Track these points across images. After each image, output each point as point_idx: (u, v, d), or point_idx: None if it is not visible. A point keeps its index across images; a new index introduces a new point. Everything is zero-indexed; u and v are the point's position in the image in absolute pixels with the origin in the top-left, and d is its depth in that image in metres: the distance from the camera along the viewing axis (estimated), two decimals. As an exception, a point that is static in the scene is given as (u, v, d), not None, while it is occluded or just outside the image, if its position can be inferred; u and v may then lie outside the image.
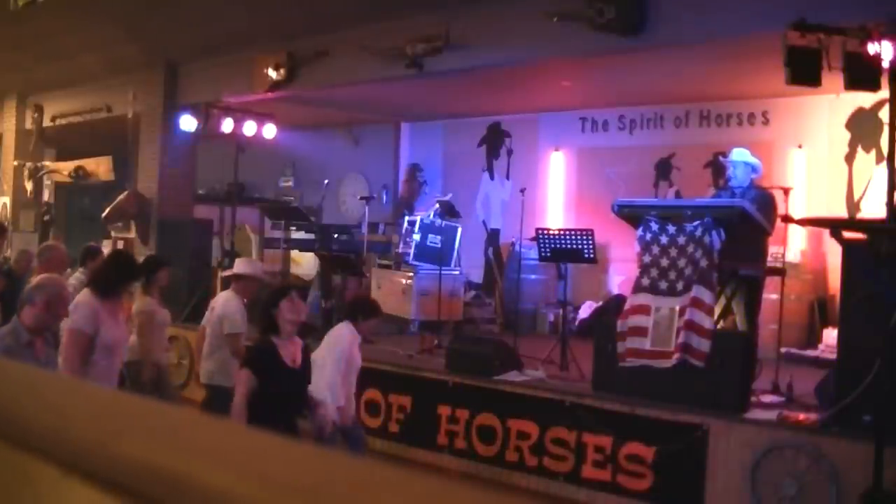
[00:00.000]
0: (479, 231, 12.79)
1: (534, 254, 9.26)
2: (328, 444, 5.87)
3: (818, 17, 6.18)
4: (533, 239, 9.09)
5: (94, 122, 14.03)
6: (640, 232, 6.86)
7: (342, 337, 6.17)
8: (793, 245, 9.37)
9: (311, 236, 11.79)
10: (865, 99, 9.14)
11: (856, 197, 9.79)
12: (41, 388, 1.13)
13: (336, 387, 5.96)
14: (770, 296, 8.10)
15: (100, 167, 13.65)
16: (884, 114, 8.72)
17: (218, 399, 6.21)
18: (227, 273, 7.03)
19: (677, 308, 6.50)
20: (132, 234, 12.44)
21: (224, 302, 6.62)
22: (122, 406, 1.04)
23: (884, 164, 7.98)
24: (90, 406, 1.03)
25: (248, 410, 4.95)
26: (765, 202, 7.10)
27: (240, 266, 6.90)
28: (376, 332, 7.19)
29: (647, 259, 6.78)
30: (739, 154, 7.56)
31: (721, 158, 9.01)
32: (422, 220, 10.75)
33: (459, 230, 11.08)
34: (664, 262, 6.68)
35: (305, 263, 12.89)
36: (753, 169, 7.49)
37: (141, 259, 7.30)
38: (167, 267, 7.11)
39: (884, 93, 6.55)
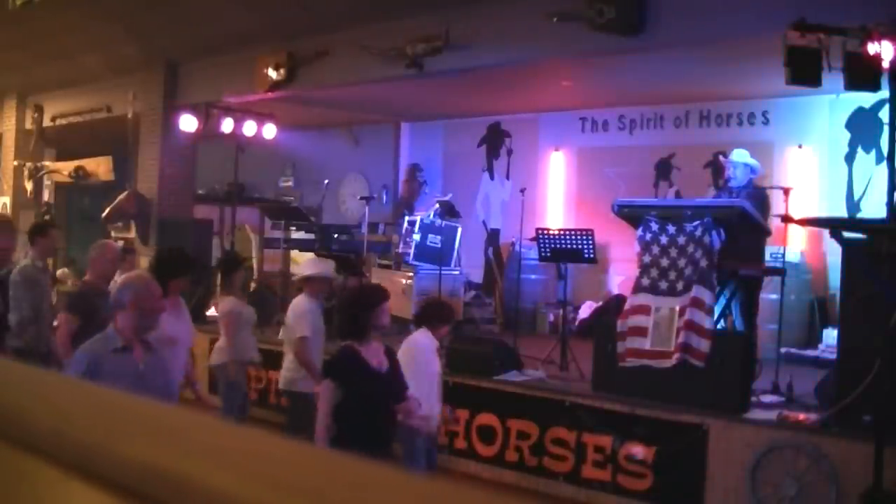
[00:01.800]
0: (479, 231, 12.79)
1: (534, 254, 9.27)
2: (428, 459, 5.65)
3: (818, 17, 6.18)
4: (533, 239, 9.09)
5: (94, 122, 14.03)
6: (640, 232, 6.86)
7: (422, 343, 5.76)
8: (793, 245, 9.37)
9: (311, 236, 11.78)
10: (865, 99, 9.14)
11: (856, 197, 9.79)
12: (43, 388, 1.13)
13: (427, 396, 5.55)
14: (770, 296, 8.11)
15: (100, 167, 13.65)
16: (884, 114, 8.72)
17: (301, 405, 6.13)
18: (298, 277, 6.59)
19: (677, 308, 6.51)
20: (132, 234, 12.43)
21: (293, 306, 6.39)
22: (124, 407, 1.05)
23: (884, 164, 7.98)
24: (92, 407, 1.03)
25: (338, 421, 4.71)
26: (758, 200, 7.12)
27: (309, 267, 6.66)
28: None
29: (647, 259, 6.78)
30: (739, 155, 7.58)
31: (721, 158, 9.03)
32: (422, 220, 10.75)
33: (459, 230, 11.08)
34: (664, 262, 6.68)
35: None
36: (752, 170, 7.52)
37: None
38: (243, 268, 7.03)
39: (884, 93, 6.56)
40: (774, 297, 7.88)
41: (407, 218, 11.20)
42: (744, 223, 6.65)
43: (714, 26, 7.42)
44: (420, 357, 5.67)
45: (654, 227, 6.76)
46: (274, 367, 7.65)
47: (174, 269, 5.52)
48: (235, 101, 11.64)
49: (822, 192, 9.99)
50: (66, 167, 14.29)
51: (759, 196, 7.29)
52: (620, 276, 11.27)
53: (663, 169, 11.50)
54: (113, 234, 12.79)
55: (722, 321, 7.04)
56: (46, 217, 14.25)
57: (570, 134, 12.46)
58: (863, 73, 6.14)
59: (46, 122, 14.93)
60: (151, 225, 12.23)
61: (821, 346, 8.74)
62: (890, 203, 6.13)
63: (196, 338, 6.36)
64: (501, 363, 7.61)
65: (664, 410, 6.40)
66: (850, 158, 9.88)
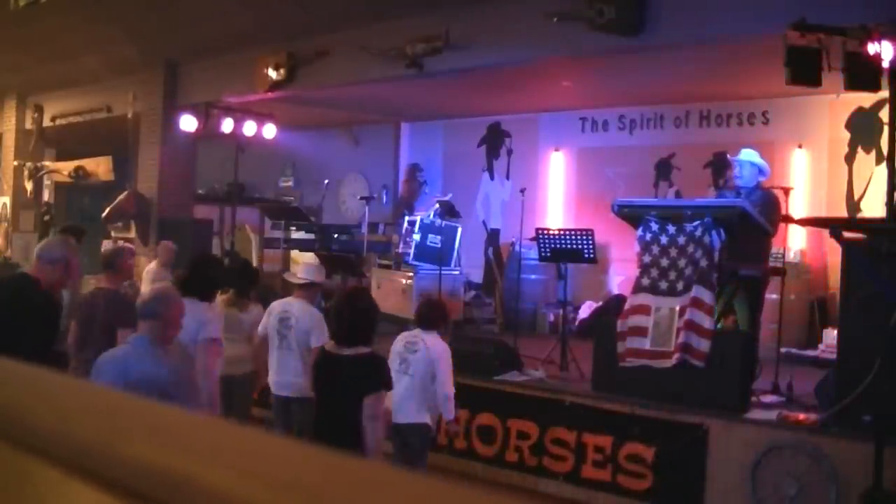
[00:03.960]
0: (479, 231, 12.78)
1: (534, 254, 9.26)
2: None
3: (818, 17, 6.18)
4: (533, 239, 9.09)
5: (94, 122, 14.04)
6: (640, 232, 6.86)
7: (446, 349, 5.67)
8: (793, 245, 9.37)
9: (311, 236, 11.79)
10: (865, 99, 9.13)
11: (856, 197, 9.79)
12: (43, 388, 1.13)
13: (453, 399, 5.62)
14: (770, 295, 8.09)
15: (100, 167, 13.66)
16: (884, 114, 8.72)
17: (307, 411, 5.95)
18: (299, 281, 6.45)
19: (677, 308, 6.50)
20: (132, 234, 12.44)
21: (306, 313, 6.28)
22: (124, 407, 1.05)
23: (884, 164, 7.98)
24: (93, 406, 1.03)
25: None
26: (769, 203, 7.07)
27: (309, 273, 6.59)
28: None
29: (647, 259, 6.78)
30: (747, 154, 7.48)
31: (729, 157, 8.98)
32: (422, 220, 10.75)
33: (459, 230, 11.08)
34: (664, 262, 6.68)
35: (305, 263, 12.89)
36: (760, 171, 7.38)
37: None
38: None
39: (884, 93, 6.56)
40: (774, 297, 7.87)
41: (407, 218, 11.20)
42: (744, 223, 6.64)
43: (714, 26, 7.42)
44: (446, 361, 5.58)
45: (654, 227, 6.76)
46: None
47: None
48: (235, 101, 11.64)
49: (822, 192, 9.99)
50: (66, 167, 14.30)
51: (769, 199, 7.18)
52: (620, 276, 11.27)
53: (663, 169, 11.50)
54: (113, 233, 12.80)
55: (722, 321, 7.03)
56: (46, 217, 14.28)
57: (570, 134, 12.46)
58: (863, 73, 6.14)
59: (46, 122, 14.94)
60: (151, 225, 12.24)
61: (821, 346, 8.73)
62: (890, 203, 6.13)
63: None
64: (501, 363, 7.60)
65: (664, 410, 6.40)
66: (850, 158, 9.88)
